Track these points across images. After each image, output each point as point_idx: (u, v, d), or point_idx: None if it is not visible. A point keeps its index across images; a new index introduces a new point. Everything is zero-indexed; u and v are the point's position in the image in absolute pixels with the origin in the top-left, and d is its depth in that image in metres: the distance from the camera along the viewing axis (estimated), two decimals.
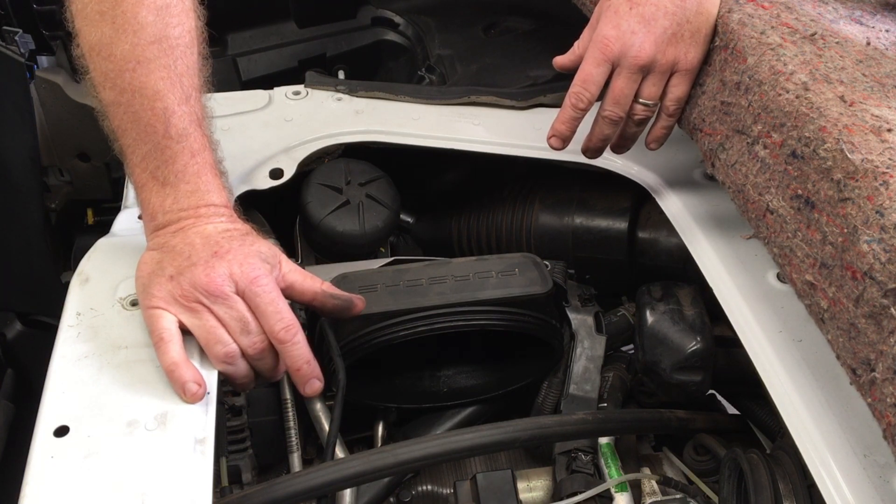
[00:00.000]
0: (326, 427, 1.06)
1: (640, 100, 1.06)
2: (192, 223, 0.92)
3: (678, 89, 1.06)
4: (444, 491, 1.09)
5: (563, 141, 1.10)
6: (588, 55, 1.04)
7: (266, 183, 1.18)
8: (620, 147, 1.14)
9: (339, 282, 1.04)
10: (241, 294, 0.88)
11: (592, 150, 1.14)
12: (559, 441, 1.06)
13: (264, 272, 0.89)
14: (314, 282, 0.95)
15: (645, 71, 1.03)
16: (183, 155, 0.93)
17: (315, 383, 0.93)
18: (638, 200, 1.28)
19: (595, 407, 1.11)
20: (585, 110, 1.07)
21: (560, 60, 1.11)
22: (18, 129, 1.54)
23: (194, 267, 0.87)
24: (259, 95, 1.35)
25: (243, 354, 0.89)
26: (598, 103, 1.08)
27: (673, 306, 1.09)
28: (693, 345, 1.06)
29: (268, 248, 0.93)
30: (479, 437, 0.90)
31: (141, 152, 0.94)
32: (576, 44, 1.09)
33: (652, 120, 1.10)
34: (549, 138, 1.11)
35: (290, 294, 0.92)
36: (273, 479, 0.85)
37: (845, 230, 0.77)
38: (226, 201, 0.96)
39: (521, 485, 1.04)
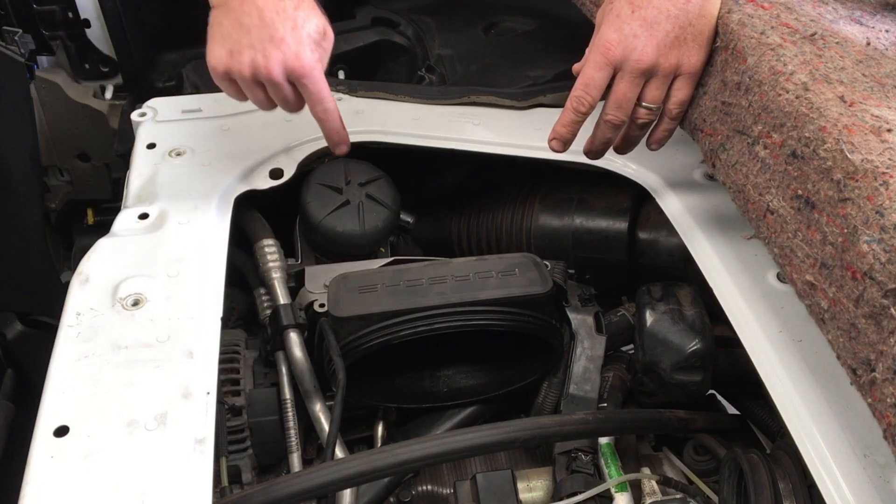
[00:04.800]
0: (326, 427, 1.06)
1: (643, 103, 1.05)
2: None
3: (681, 93, 1.05)
4: (444, 491, 1.09)
5: (564, 144, 1.10)
6: (590, 59, 1.04)
7: (266, 183, 1.18)
8: (623, 149, 1.14)
9: (338, 282, 1.05)
10: (290, 81, 1.04)
11: (594, 153, 1.14)
12: (559, 441, 1.06)
13: (314, 62, 1.04)
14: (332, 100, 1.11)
15: (647, 75, 1.03)
16: None
17: (343, 147, 1.16)
18: (638, 200, 1.28)
19: (595, 407, 1.11)
20: (587, 114, 1.06)
21: (575, 67, 1.10)
22: (18, 129, 1.54)
23: (252, 49, 1.01)
24: None
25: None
26: (601, 105, 1.08)
27: (673, 306, 1.09)
28: (693, 345, 1.06)
29: (316, 28, 1.06)
30: (479, 437, 0.90)
31: None
32: (587, 48, 1.08)
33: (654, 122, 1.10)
34: (549, 141, 1.10)
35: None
36: (273, 479, 0.85)
37: (845, 230, 0.77)
38: None
39: (521, 485, 1.04)
